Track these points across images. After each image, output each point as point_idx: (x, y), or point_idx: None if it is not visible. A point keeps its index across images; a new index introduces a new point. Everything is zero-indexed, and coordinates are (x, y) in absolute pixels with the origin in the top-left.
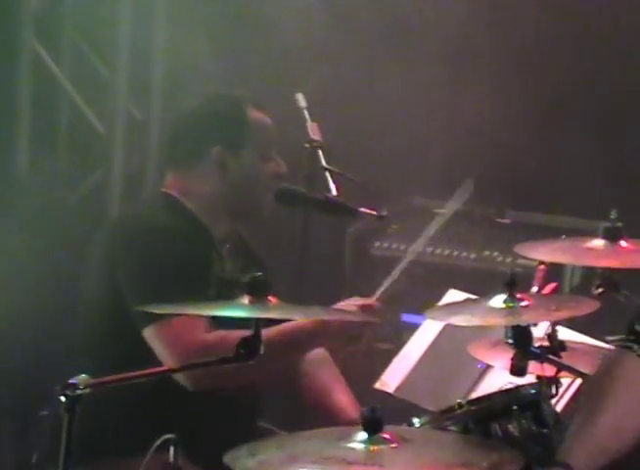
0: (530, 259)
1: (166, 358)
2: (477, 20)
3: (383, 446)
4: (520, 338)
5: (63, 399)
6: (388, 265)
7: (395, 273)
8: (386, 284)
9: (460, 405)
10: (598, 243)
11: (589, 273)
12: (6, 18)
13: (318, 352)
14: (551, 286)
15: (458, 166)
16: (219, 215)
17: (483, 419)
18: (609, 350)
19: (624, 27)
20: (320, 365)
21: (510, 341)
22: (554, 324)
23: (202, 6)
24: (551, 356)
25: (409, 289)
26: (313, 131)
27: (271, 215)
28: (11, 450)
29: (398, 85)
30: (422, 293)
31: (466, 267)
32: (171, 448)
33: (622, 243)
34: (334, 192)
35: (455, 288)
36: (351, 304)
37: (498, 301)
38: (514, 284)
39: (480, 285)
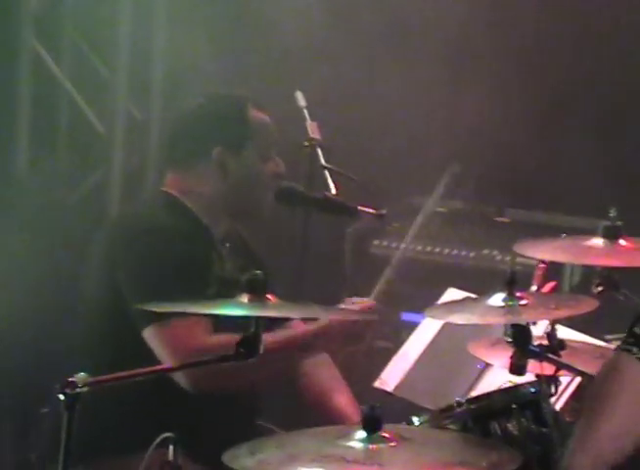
0: (530, 258)
1: (166, 360)
2: (477, 20)
3: (382, 445)
4: (519, 336)
5: (62, 397)
6: (388, 264)
7: (388, 271)
8: (381, 282)
9: (459, 404)
10: (597, 242)
11: (589, 272)
12: (6, 17)
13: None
14: (550, 285)
15: (458, 165)
16: (219, 215)
17: (483, 418)
18: (608, 350)
19: (624, 27)
20: (320, 366)
21: (509, 339)
22: (553, 323)
23: (202, 6)
24: (550, 355)
25: (408, 288)
26: (312, 130)
27: (271, 215)
28: (11, 450)
29: (398, 85)
30: (421, 291)
31: (465, 266)
32: (170, 447)
33: (622, 242)
34: (333, 191)
35: (454, 286)
36: (350, 306)
37: (497, 299)
38: (513, 283)
39: (480, 284)
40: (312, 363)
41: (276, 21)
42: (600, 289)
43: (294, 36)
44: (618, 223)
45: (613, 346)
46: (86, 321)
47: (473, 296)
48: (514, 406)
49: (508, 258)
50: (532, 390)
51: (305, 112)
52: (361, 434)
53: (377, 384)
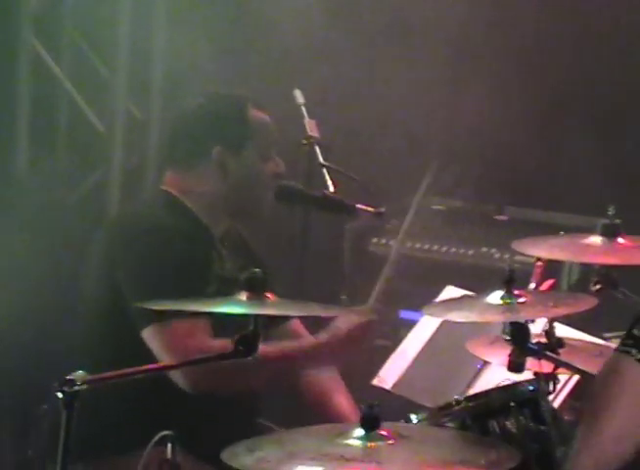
0: (529, 256)
1: (165, 360)
2: (477, 20)
3: (380, 443)
4: (517, 334)
5: (60, 395)
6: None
7: (386, 270)
8: (380, 281)
9: (458, 402)
10: (596, 240)
11: (587, 270)
12: (6, 17)
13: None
14: (548, 283)
15: (458, 164)
16: (219, 215)
17: (481, 416)
18: (607, 348)
19: (624, 27)
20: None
21: (507, 337)
22: (551, 321)
23: (201, 6)
24: (549, 353)
25: (407, 285)
26: (311, 128)
27: (271, 214)
28: (11, 450)
29: (398, 84)
30: (419, 289)
31: (464, 264)
32: (169, 445)
33: (620, 240)
34: (331, 189)
35: (453, 284)
36: (348, 318)
37: (496, 297)
38: (512, 280)
39: (478, 281)
40: None
41: (276, 20)
42: (598, 287)
43: (293, 35)
44: (617, 221)
45: (611, 344)
46: (86, 321)
47: (471, 294)
48: (512, 404)
49: (507, 257)
50: (531, 388)
51: (304, 109)
52: (360, 432)
53: (375, 382)
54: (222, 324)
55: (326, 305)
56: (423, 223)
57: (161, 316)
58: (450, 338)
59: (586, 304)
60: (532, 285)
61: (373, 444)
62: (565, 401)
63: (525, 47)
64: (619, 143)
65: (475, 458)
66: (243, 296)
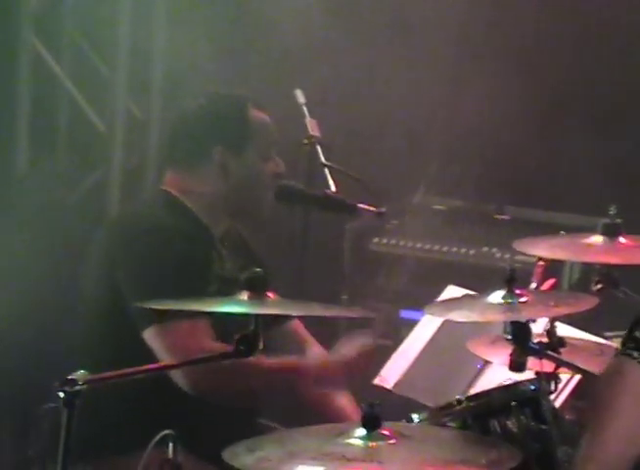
0: (530, 256)
1: (167, 361)
2: (477, 20)
3: (381, 443)
4: (519, 334)
5: (61, 394)
6: (387, 262)
7: None
8: None
9: (459, 401)
10: (597, 239)
11: (588, 270)
12: (6, 16)
13: (318, 354)
14: (549, 282)
15: (458, 164)
16: (219, 215)
17: (482, 415)
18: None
19: (624, 27)
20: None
21: (509, 337)
22: (553, 320)
23: (201, 5)
24: (550, 352)
25: (408, 285)
26: (312, 127)
27: (271, 214)
28: (11, 450)
29: (398, 83)
30: (420, 289)
31: (465, 263)
32: (170, 444)
33: (621, 239)
34: (333, 188)
35: (454, 284)
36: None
37: (497, 297)
38: (513, 280)
39: (479, 281)
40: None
41: (276, 19)
42: (599, 286)
43: (294, 35)
44: (618, 221)
45: (612, 343)
46: (86, 321)
47: (472, 293)
48: (513, 404)
49: (508, 256)
50: (532, 387)
51: (305, 109)
52: (361, 431)
53: (376, 381)
54: (223, 324)
55: (327, 304)
56: (424, 223)
57: (162, 317)
58: (451, 337)
59: (587, 303)
60: (533, 285)
61: (374, 443)
62: (566, 401)
63: (525, 47)
64: (620, 142)
65: (476, 458)
66: (243, 295)
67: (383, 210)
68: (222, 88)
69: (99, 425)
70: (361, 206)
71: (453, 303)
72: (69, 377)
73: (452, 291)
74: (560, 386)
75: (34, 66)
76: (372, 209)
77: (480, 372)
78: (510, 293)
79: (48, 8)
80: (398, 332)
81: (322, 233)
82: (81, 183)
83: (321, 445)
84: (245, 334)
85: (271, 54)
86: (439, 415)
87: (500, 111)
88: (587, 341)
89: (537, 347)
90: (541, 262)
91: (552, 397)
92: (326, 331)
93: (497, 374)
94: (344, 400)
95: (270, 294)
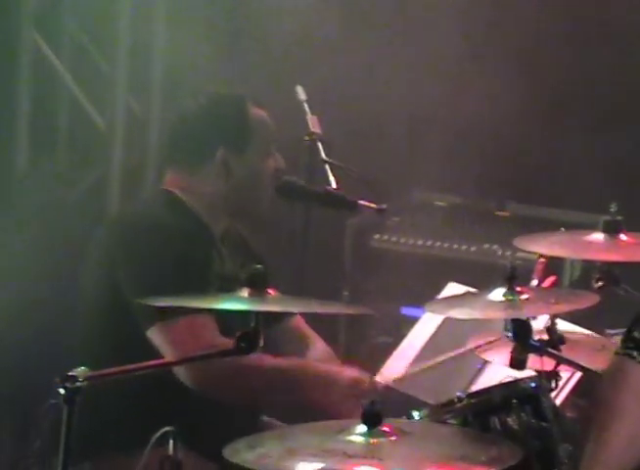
0: (530, 253)
1: (172, 358)
2: (477, 19)
3: (382, 439)
4: (519, 331)
5: (62, 391)
6: (388, 258)
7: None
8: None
9: (459, 399)
10: (598, 236)
11: (589, 267)
12: (7, 12)
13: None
14: (550, 279)
15: (458, 160)
16: (219, 214)
17: (483, 412)
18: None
19: (624, 27)
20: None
21: (509, 334)
22: (553, 317)
23: (202, 3)
24: (550, 350)
25: (409, 282)
26: (313, 124)
27: (271, 211)
28: (11, 447)
29: (399, 80)
30: (421, 286)
31: (465, 261)
32: (170, 441)
33: (622, 236)
34: (333, 185)
35: (455, 281)
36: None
37: (498, 294)
38: (514, 277)
39: (480, 278)
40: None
41: (277, 14)
42: (600, 284)
43: (295, 31)
44: (619, 218)
45: (613, 340)
46: (86, 319)
47: (473, 290)
48: (514, 401)
49: (509, 253)
50: (532, 384)
51: (306, 105)
52: (362, 428)
53: (377, 378)
54: (225, 322)
55: (327, 301)
56: (425, 220)
57: (166, 315)
58: (452, 335)
59: (588, 300)
60: (534, 282)
61: (375, 440)
62: (566, 398)
63: (525, 47)
64: (621, 139)
65: (476, 455)
66: (244, 292)
67: (383, 206)
68: (222, 86)
69: (99, 422)
70: (362, 202)
71: (454, 300)
72: (70, 374)
73: (453, 288)
74: (560, 383)
75: (34, 63)
76: (373, 205)
77: (480, 370)
78: (511, 290)
79: (48, 5)
80: (399, 329)
81: (323, 230)
82: (81, 181)
83: (322, 441)
84: (245, 331)
85: (272, 50)
86: (440, 412)
87: (501, 108)
88: (587, 335)
89: (538, 344)
90: (542, 260)
91: (552, 394)
92: (327, 328)
93: (498, 371)
94: (321, 346)
95: (270, 291)
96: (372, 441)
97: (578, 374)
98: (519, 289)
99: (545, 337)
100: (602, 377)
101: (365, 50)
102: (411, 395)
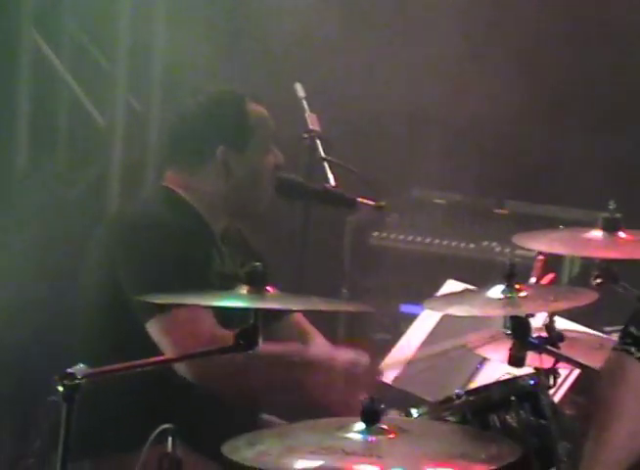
0: (529, 250)
1: (171, 350)
2: (477, 18)
3: (381, 437)
4: (518, 328)
5: (60, 388)
6: (387, 256)
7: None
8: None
9: (458, 396)
10: (597, 234)
11: (588, 264)
12: (6, 12)
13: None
14: (548, 277)
15: (458, 158)
16: (219, 213)
17: (482, 410)
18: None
19: (624, 27)
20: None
21: (508, 331)
22: (552, 315)
23: (201, 1)
24: (549, 347)
25: (407, 279)
26: (312, 121)
27: (271, 209)
28: (10, 445)
29: (399, 79)
30: (420, 283)
31: (465, 258)
32: (169, 438)
33: (621, 234)
34: (332, 182)
35: (454, 278)
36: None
37: (497, 291)
38: (512, 275)
39: (479, 276)
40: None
41: (276, 12)
42: (599, 281)
43: (294, 28)
44: (618, 215)
45: (612, 337)
46: (86, 318)
47: (472, 288)
48: (513, 398)
49: (507, 251)
50: (531, 382)
51: (305, 103)
52: (360, 426)
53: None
54: (222, 318)
55: (326, 298)
56: (424, 217)
57: (164, 307)
58: (451, 332)
59: (587, 298)
60: (533, 279)
61: (373, 437)
62: (565, 396)
63: (526, 47)
64: (620, 137)
65: (475, 452)
66: (243, 290)
67: (382, 204)
68: (222, 83)
69: (99, 420)
70: (361, 200)
71: (453, 297)
72: (69, 371)
73: (452, 285)
74: (559, 381)
75: (34, 63)
76: (371, 203)
77: (479, 367)
78: (509, 287)
79: (48, 4)
80: (398, 326)
81: (322, 227)
82: (81, 180)
83: (321, 439)
84: (244, 328)
85: (272, 50)
86: (439, 410)
87: (501, 108)
88: (586, 333)
89: (537, 341)
90: (541, 257)
91: (551, 391)
92: (326, 325)
93: (496, 369)
94: (321, 340)
95: (269, 288)
96: (370, 438)
97: (577, 371)
98: (517, 286)
99: (544, 334)
100: (600, 373)
101: (365, 50)
102: (409, 392)
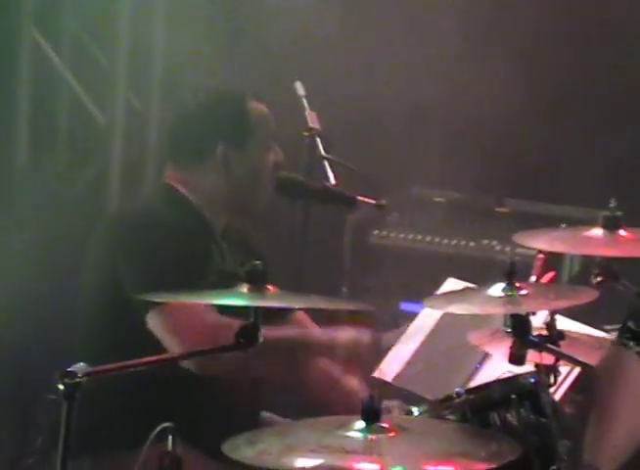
0: (529, 248)
1: (172, 340)
2: (477, 17)
3: (381, 435)
4: (518, 327)
5: (61, 387)
6: (387, 254)
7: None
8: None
9: (458, 394)
10: (597, 232)
11: (588, 262)
12: (6, 9)
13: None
14: (549, 275)
15: (458, 156)
16: (219, 210)
17: (482, 408)
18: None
19: (624, 27)
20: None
21: (509, 330)
22: (553, 313)
23: (201, 1)
24: (549, 345)
25: (408, 277)
26: (312, 120)
27: (271, 206)
28: (11, 443)
29: (399, 77)
30: (421, 281)
31: (465, 256)
32: (170, 437)
33: (621, 232)
34: (332, 181)
35: (454, 276)
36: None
37: (497, 289)
38: (513, 273)
39: (479, 274)
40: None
41: (277, 14)
42: (599, 279)
43: (294, 26)
44: (618, 214)
45: (612, 336)
46: (86, 316)
47: (472, 286)
48: (513, 397)
49: (508, 249)
50: (531, 380)
51: (305, 101)
52: (360, 424)
53: (376, 374)
54: (223, 313)
55: (326, 297)
56: (424, 216)
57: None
58: (451, 330)
59: (587, 296)
60: (533, 277)
61: (374, 436)
62: (565, 394)
63: (526, 47)
64: (620, 135)
65: (475, 451)
66: (243, 288)
67: (383, 202)
68: (222, 81)
69: (99, 418)
70: (361, 198)
71: (453, 295)
72: (69, 369)
73: (452, 283)
74: (559, 379)
75: (34, 62)
76: (372, 201)
77: (479, 365)
78: (510, 286)
79: (48, 3)
80: (398, 325)
81: (322, 226)
82: (81, 177)
83: (321, 437)
84: (244, 326)
85: (272, 50)
86: (439, 408)
87: (501, 107)
88: (587, 334)
89: (537, 339)
90: (541, 255)
91: (551, 390)
92: (325, 324)
93: (497, 367)
94: (354, 383)
95: (269, 286)
96: (371, 437)
97: (577, 370)
98: (518, 284)
99: (544, 333)
100: (598, 367)
101: (364, 44)
102: (410, 390)
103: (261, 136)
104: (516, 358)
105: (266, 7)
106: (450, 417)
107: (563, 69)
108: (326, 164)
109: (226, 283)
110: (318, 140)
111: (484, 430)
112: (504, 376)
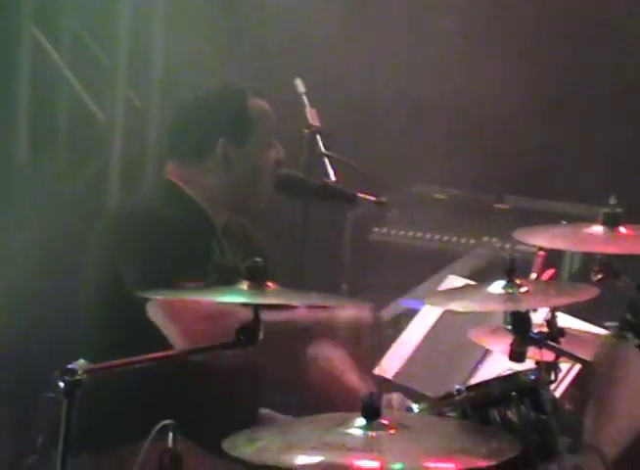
0: (530, 245)
1: (173, 328)
2: (477, 17)
3: (381, 432)
4: (519, 324)
5: (61, 384)
6: (387, 251)
7: None
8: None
9: (459, 391)
10: (597, 229)
11: (588, 259)
12: (6, 7)
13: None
14: (549, 272)
15: (458, 154)
16: (220, 207)
17: (482, 405)
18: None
19: (624, 27)
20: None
21: (509, 327)
22: (553, 310)
23: (201, 1)
24: (550, 342)
25: (408, 274)
26: (312, 117)
27: (271, 204)
28: (11, 441)
29: (399, 74)
30: (421, 279)
31: (465, 253)
32: (170, 434)
33: (622, 229)
34: (332, 178)
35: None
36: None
37: (497, 287)
38: (513, 270)
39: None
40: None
41: (277, 13)
42: (600, 276)
43: (294, 23)
44: (618, 210)
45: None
46: (87, 313)
47: (472, 283)
48: (513, 394)
49: (508, 246)
50: (532, 377)
51: (305, 98)
52: (361, 421)
53: (376, 371)
54: None
55: (326, 294)
56: (424, 213)
57: None
58: (452, 327)
59: (587, 293)
60: (534, 274)
61: (374, 433)
62: (566, 391)
63: (526, 47)
64: (621, 129)
65: (475, 448)
66: (244, 285)
67: (383, 199)
68: (222, 79)
69: (99, 415)
70: (361, 195)
71: (454, 292)
72: (69, 367)
73: (452, 280)
74: (560, 376)
75: (34, 59)
76: (372, 198)
77: (480, 362)
78: (510, 283)
79: (48, 1)
80: (398, 322)
81: (322, 223)
82: (81, 175)
83: (321, 434)
84: (245, 323)
85: (272, 49)
86: (439, 405)
87: (501, 106)
88: (587, 331)
89: (537, 336)
90: (541, 252)
91: (552, 387)
92: None
93: (497, 364)
94: (355, 380)
95: (270, 283)
96: (371, 434)
97: (578, 366)
98: (518, 282)
99: (545, 330)
100: (597, 358)
101: (365, 40)
102: (410, 387)
103: (262, 133)
104: (516, 355)
105: (266, 7)
106: (450, 414)
107: (563, 69)
108: (326, 160)
109: (226, 280)
110: (318, 137)
111: (485, 427)
112: (504, 373)
